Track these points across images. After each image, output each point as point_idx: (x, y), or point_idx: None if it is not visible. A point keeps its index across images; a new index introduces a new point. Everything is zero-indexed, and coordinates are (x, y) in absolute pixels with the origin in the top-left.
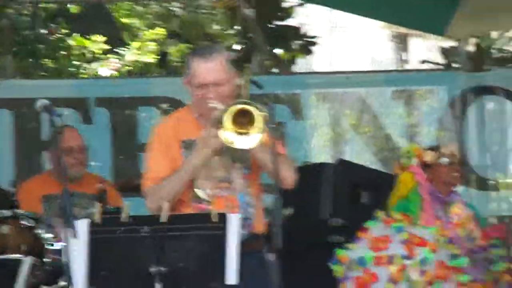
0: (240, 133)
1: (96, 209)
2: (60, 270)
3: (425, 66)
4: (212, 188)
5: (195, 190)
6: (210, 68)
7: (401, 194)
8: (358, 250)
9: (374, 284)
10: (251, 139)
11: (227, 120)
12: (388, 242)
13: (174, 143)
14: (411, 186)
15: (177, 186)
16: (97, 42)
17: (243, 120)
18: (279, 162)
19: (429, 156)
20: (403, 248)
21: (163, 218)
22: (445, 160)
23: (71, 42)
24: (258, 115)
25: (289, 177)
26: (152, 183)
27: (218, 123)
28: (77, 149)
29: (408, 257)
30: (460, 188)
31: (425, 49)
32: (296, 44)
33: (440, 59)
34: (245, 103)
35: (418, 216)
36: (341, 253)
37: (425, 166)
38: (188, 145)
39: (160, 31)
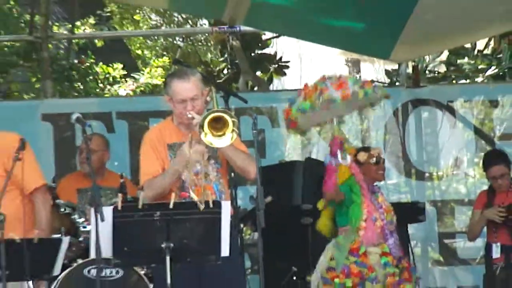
0: (217, 135)
1: (118, 199)
2: (88, 248)
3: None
4: (192, 179)
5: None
6: (188, 87)
7: (339, 182)
8: None
9: None
10: (226, 139)
11: (206, 125)
12: None
13: (161, 146)
14: (347, 176)
15: (166, 183)
16: (117, 69)
17: (217, 125)
18: (243, 158)
19: (361, 156)
20: None
21: (171, 205)
22: (373, 160)
23: (97, 69)
24: (230, 119)
25: (252, 171)
26: (147, 178)
27: (200, 128)
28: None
29: None
30: (402, 179)
31: (373, 71)
32: (272, 68)
33: (385, 78)
34: (218, 111)
35: (360, 199)
36: None
37: (357, 163)
38: (172, 147)
39: (165, 60)
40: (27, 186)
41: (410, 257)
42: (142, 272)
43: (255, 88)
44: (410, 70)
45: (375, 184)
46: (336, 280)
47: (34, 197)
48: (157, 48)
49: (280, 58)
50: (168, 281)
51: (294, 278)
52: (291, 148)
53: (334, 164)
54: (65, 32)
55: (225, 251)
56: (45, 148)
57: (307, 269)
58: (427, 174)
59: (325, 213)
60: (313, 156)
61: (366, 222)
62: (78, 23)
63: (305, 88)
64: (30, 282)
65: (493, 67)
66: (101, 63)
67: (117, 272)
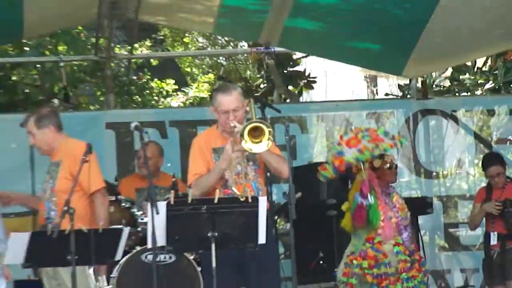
0: (255, 142)
1: (171, 195)
2: (145, 237)
3: (388, 96)
4: (234, 178)
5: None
6: (230, 100)
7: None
8: None
9: None
10: (263, 146)
11: (246, 133)
12: None
13: (207, 150)
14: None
15: (211, 181)
16: (169, 84)
17: (256, 133)
18: (277, 161)
19: (376, 162)
20: None
21: (215, 200)
22: (387, 165)
23: (152, 84)
24: (267, 128)
25: (284, 171)
26: (195, 178)
27: (241, 137)
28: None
29: None
30: (413, 177)
31: (388, 85)
32: (302, 83)
33: (398, 91)
34: (256, 121)
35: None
36: None
37: (373, 168)
38: (216, 151)
39: (211, 76)
40: (90, 187)
41: (420, 244)
42: (191, 257)
43: (287, 100)
44: (419, 84)
45: (390, 185)
46: (355, 261)
47: (94, 197)
48: (203, 66)
49: (309, 75)
50: (213, 265)
51: (321, 262)
52: (318, 151)
53: (365, 204)
54: (125, 52)
55: (262, 239)
56: (108, 152)
57: (332, 254)
58: (434, 173)
59: (348, 214)
60: None
61: (384, 222)
62: (136, 45)
63: (348, 142)
64: (91, 269)
65: (490, 82)
66: (156, 79)
67: (170, 258)
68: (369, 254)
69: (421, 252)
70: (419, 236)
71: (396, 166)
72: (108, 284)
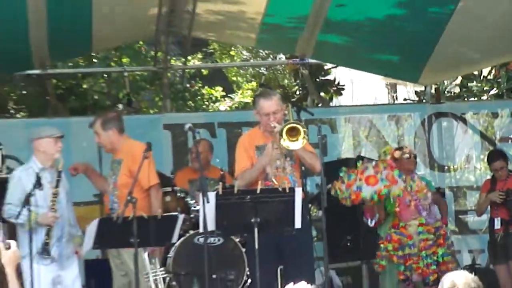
0: (292, 140)
1: (219, 187)
2: (197, 223)
3: (406, 101)
4: (274, 172)
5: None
6: (271, 104)
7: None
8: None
9: None
10: (298, 143)
11: (284, 133)
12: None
13: (251, 147)
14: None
15: (254, 174)
16: (218, 91)
17: (292, 133)
18: (311, 157)
19: (396, 153)
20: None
21: (258, 190)
22: (406, 156)
23: (203, 91)
24: (302, 129)
25: (317, 166)
26: (240, 172)
27: (280, 136)
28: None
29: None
30: (428, 171)
31: (406, 92)
32: (332, 90)
33: (414, 97)
34: (293, 123)
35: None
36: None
37: (394, 159)
38: (259, 148)
39: (253, 84)
40: (147, 183)
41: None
42: (237, 240)
43: (319, 105)
44: (433, 91)
45: (411, 172)
46: (382, 245)
47: (150, 191)
48: (247, 75)
49: (338, 83)
50: (256, 246)
51: (348, 244)
52: (346, 149)
53: (370, 224)
54: (179, 64)
55: (298, 224)
56: (165, 149)
57: (358, 237)
58: (446, 167)
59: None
60: (362, 154)
61: (400, 206)
62: (189, 57)
63: (368, 179)
64: (146, 253)
65: (494, 89)
66: (206, 87)
67: (218, 240)
68: (393, 238)
69: None
70: None
71: (415, 156)
72: (166, 263)
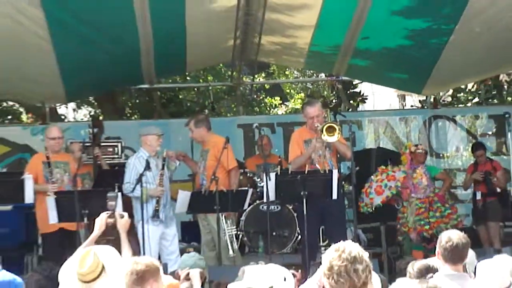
0: (330, 135)
1: (278, 169)
2: (262, 195)
3: (412, 107)
4: (317, 158)
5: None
6: (314, 110)
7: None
8: None
9: None
10: (335, 137)
11: (324, 130)
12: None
13: (300, 141)
14: (405, 162)
15: (303, 160)
16: (276, 100)
17: (330, 129)
18: (344, 147)
19: (412, 148)
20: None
21: (306, 171)
22: (419, 151)
23: (266, 100)
24: (337, 127)
25: (348, 154)
26: (293, 158)
27: (321, 132)
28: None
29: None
30: (428, 158)
31: (412, 100)
32: (359, 99)
33: (418, 104)
34: (331, 123)
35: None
36: None
37: (410, 153)
38: (306, 142)
39: (302, 95)
40: (228, 165)
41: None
42: (290, 207)
43: (350, 110)
44: (432, 99)
45: (421, 163)
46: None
47: (230, 172)
48: (297, 88)
49: (363, 94)
50: (304, 212)
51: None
52: (369, 141)
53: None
54: (249, 80)
55: (334, 196)
56: (239, 142)
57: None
58: (441, 155)
59: None
60: (380, 145)
61: (401, 189)
62: (256, 76)
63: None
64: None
65: (476, 98)
66: (268, 97)
67: (277, 207)
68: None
69: None
70: None
71: (426, 152)
72: (238, 225)
